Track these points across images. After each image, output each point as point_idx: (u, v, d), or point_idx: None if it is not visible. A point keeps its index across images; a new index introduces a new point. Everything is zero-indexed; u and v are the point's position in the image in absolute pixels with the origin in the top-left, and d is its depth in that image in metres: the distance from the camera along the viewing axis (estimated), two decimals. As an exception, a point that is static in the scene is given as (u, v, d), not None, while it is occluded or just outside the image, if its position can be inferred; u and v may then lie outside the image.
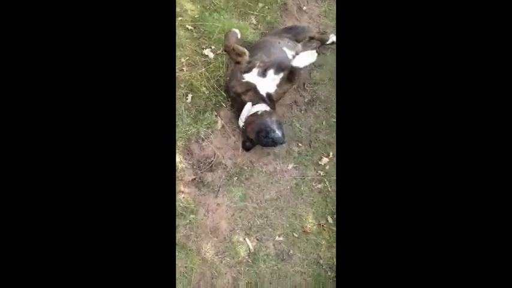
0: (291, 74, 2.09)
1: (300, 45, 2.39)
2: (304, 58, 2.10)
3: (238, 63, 2.12)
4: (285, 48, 2.20)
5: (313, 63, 2.57)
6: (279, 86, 2.09)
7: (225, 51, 2.20)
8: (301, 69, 2.10)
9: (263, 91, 2.08)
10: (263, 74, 2.08)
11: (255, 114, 2.03)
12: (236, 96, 2.10)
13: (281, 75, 2.08)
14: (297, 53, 2.28)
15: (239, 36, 2.20)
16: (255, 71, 2.07)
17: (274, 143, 1.95)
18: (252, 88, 2.07)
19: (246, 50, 2.15)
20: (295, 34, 2.41)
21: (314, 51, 2.18)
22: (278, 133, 1.93)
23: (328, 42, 2.54)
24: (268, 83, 2.09)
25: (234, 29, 2.20)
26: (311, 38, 2.55)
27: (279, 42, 2.23)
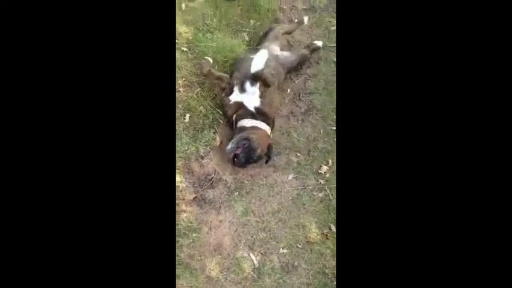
0: (260, 80, 2.03)
1: (280, 50, 2.36)
2: (257, 60, 2.08)
3: (223, 89, 2.12)
4: (255, 57, 2.15)
5: (307, 73, 2.56)
6: (261, 96, 2.05)
7: (204, 78, 2.18)
8: (262, 69, 2.04)
9: (251, 106, 2.06)
10: (242, 89, 2.07)
11: (236, 128, 2.03)
12: (232, 119, 2.10)
13: (258, 85, 2.03)
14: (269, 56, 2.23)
15: (211, 62, 2.17)
16: (235, 89, 2.07)
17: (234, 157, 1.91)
18: (241, 106, 2.06)
19: (223, 74, 2.15)
20: (267, 37, 2.41)
21: (265, 50, 2.15)
22: (229, 144, 1.92)
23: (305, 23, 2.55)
24: (251, 97, 2.06)
25: (207, 57, 2.17)
26: (287, 33, 2.55)
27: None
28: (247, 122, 2.03)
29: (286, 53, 2.36)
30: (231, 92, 2.08)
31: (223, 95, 2.12)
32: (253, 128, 2.01)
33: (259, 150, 1.95)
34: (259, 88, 2.03)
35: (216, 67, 2.30)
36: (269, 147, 2.04)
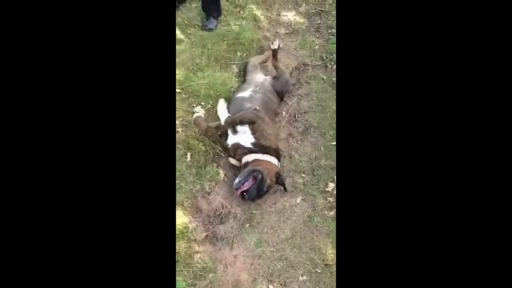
0: (239, 122, 1.92)
1: (264, 77, 2.23)
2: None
3: (221, 135, 1.99)
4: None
5: (299, 94, 2.42)
6: (253, 132, 1.90)
7: (205, 136, 2.04)
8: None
9: (247, 144, 1.91)
10: (234, 131, 1.93)
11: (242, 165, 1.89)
12: (236, 159, 1.96)
13: (246, 124, 1.90)
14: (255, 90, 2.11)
15: (203, 116, 2.08)
16: (229, 132, 1.95)
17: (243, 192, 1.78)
18: (238, 146, 1.92)
19: (215, 123, 2.03)
20: (247, 70, 2.29)
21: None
22: (236, 179, 1.78)
23: (274, 47, 2.31)
24: (243, 136, 1.92)
25: (196, 114, 2.07)
26: (264, 62, 2.40)
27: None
28: (249, 157, 1.88)
29: (269, 78, 2.23)
30: (226, 136, 1.96)
31: (222, 141, 1.99)
32: (256, 160, 1.85)
33: (268, 181, 1.80)
34: (249, 126, 1.90)
35: (211, 102, 2.19)
36: (277, 175, 1.86)
